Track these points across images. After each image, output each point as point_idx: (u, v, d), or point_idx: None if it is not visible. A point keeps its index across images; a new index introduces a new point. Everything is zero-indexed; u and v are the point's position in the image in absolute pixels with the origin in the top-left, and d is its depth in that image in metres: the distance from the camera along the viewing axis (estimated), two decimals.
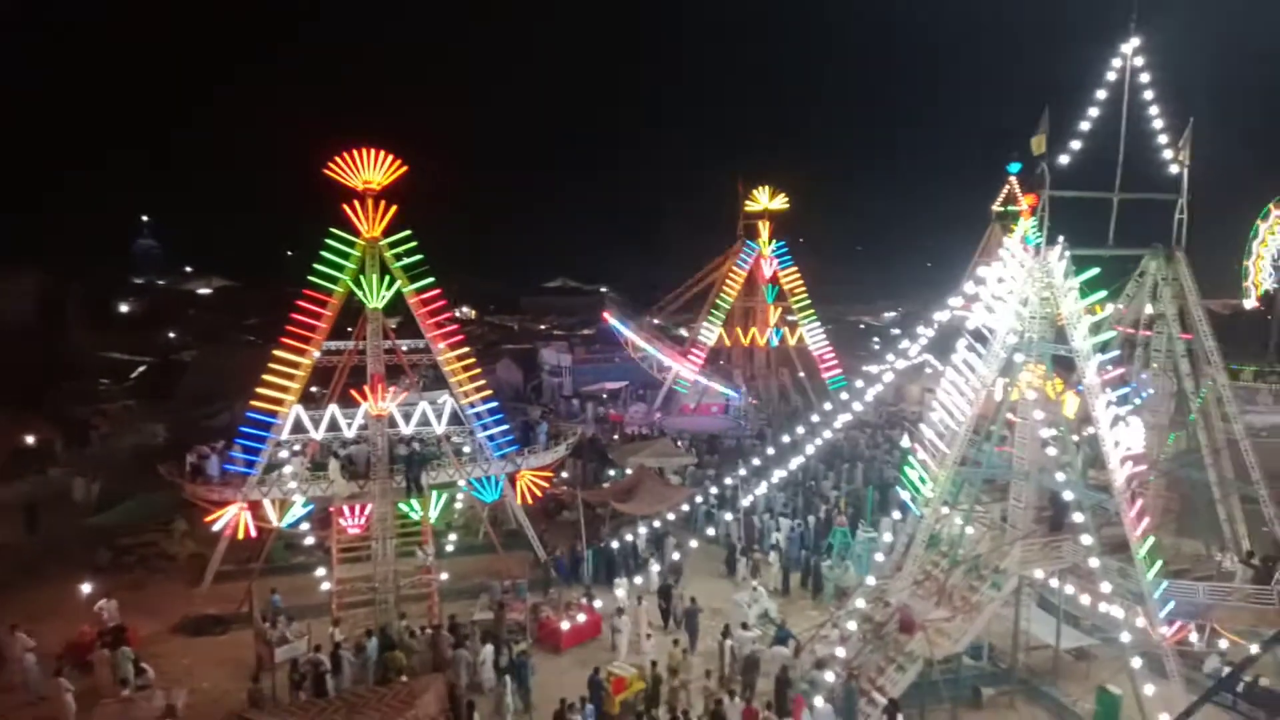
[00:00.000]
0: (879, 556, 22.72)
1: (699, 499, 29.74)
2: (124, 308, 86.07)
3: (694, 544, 27.05)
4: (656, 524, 27.28)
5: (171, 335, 72.18)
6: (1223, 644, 19.72)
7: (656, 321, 51.72)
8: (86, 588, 23.77)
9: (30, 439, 39.71)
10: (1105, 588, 18.47)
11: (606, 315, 50.37)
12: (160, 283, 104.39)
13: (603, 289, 51.00)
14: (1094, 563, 18.55)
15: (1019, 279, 20.18)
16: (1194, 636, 19.40)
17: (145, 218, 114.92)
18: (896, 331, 54.81)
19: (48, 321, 59.55)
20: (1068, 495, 19.14)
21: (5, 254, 66.36)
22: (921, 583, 20.62)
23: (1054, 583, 20.50)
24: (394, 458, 25.30)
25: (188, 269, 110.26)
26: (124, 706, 18.65)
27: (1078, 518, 18.87)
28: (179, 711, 18.39)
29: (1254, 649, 16.62)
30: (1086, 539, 18.70)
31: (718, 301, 48.06)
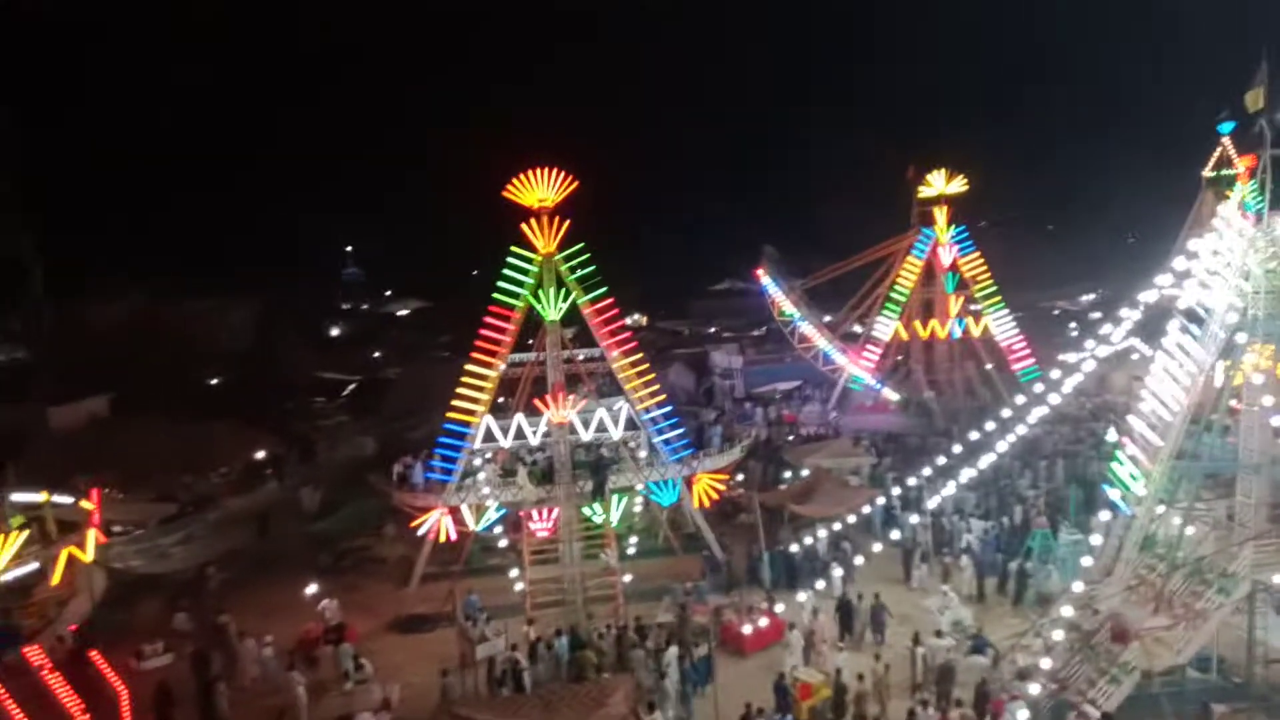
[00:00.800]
0: (1086, 560, 21.09)
1: (880, 500, 28.79)
2: (335, 331, 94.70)
3: (877, 547, 26.18)
4: (836, 526, 26.66)
5: (376, 355, 78.47)
6: None
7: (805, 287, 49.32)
8: (311, 588, 26.27)
9: (261, 453, 44.38)
10: None
11: (759, 270, 48.89)
12: (365, 307, 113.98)
13: (765, 247, 49.38)
14: None
15: (1238, 250, 18.18)
16: None
17: (349, 248, 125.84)
18: (1097, 315, 50.55)
19: (269, 347, 66.29)
20: None
21: (231, 287, 74.70)
22: (1136, 588, 18.98)
23: None
24: (576, 463, 26.26)
25: (388, 293, 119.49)
26: (347, 698, 20.68)
27: None
28: (393, 703, 20.05)
29: None
30: None
31: (892, 294, 46.26)
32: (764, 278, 48.66)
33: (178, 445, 38.69)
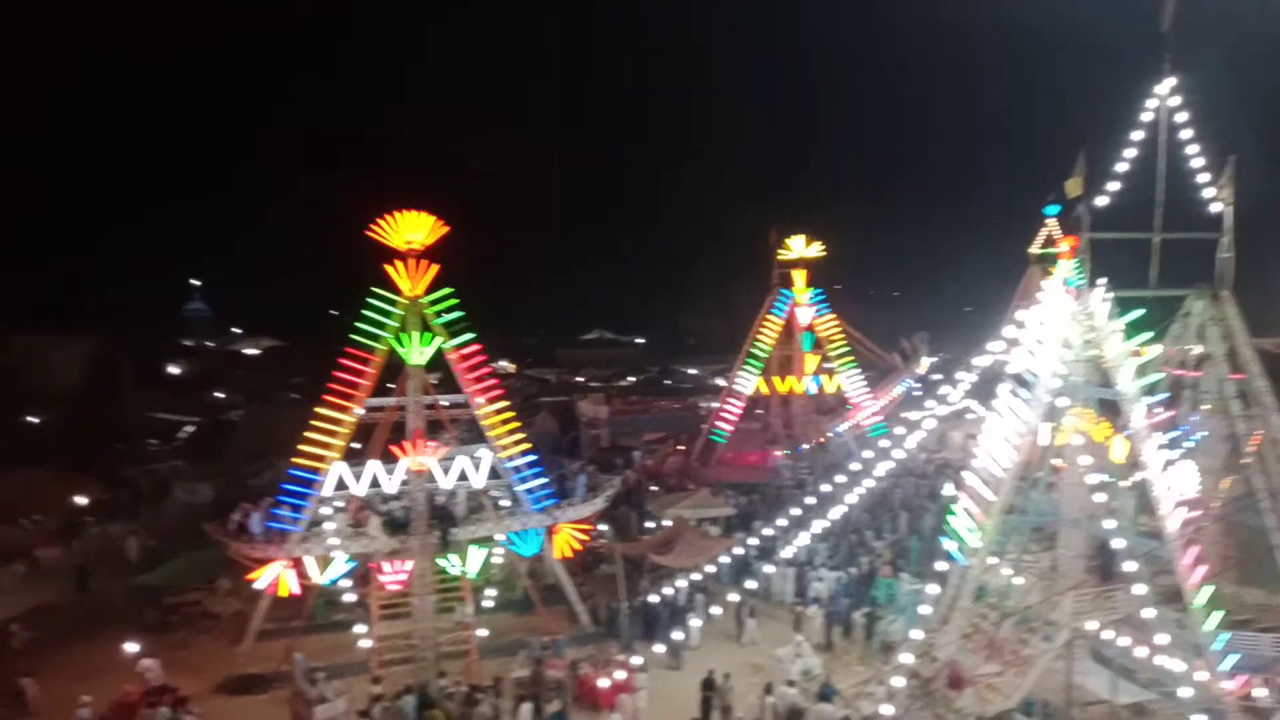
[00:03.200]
0: (925, 609, 22.14)
1: (739, 550, 29.29)
2: (173, 370, 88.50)
3: (733, 598, 26.57)
4: (696, 577, 26.89)
5: (220, 396, 73.88)
6: None
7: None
8: (133, 646, 24.02)
9: (82, 500, 40.65)
10: (1162, 639, 17.76)
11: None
12: (209, 345, 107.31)
13: (638, 339, 51.08)
14: (1149, 613, 17.87)
15: (1060, 322, 19.91)
16: (1261, 691, 18.49)
17: (196, 283, 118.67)
18: (938, 377, 54.04)
19: (98, 385, 61.33)
20: (1118, 543, 18.56)
21: (57, 321, 68.89)
22: (970, 636, 20.02)
23: (1108, 635, 19.76)
24: (432, 512, 25.41)
25: (236, 331, 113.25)
26: None
27: (1129, 566, 18.25)
28: None
29: None
30: (1140, 588, 18.05)
31: (754, 350, 47.93)
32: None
33: None
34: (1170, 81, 21.02)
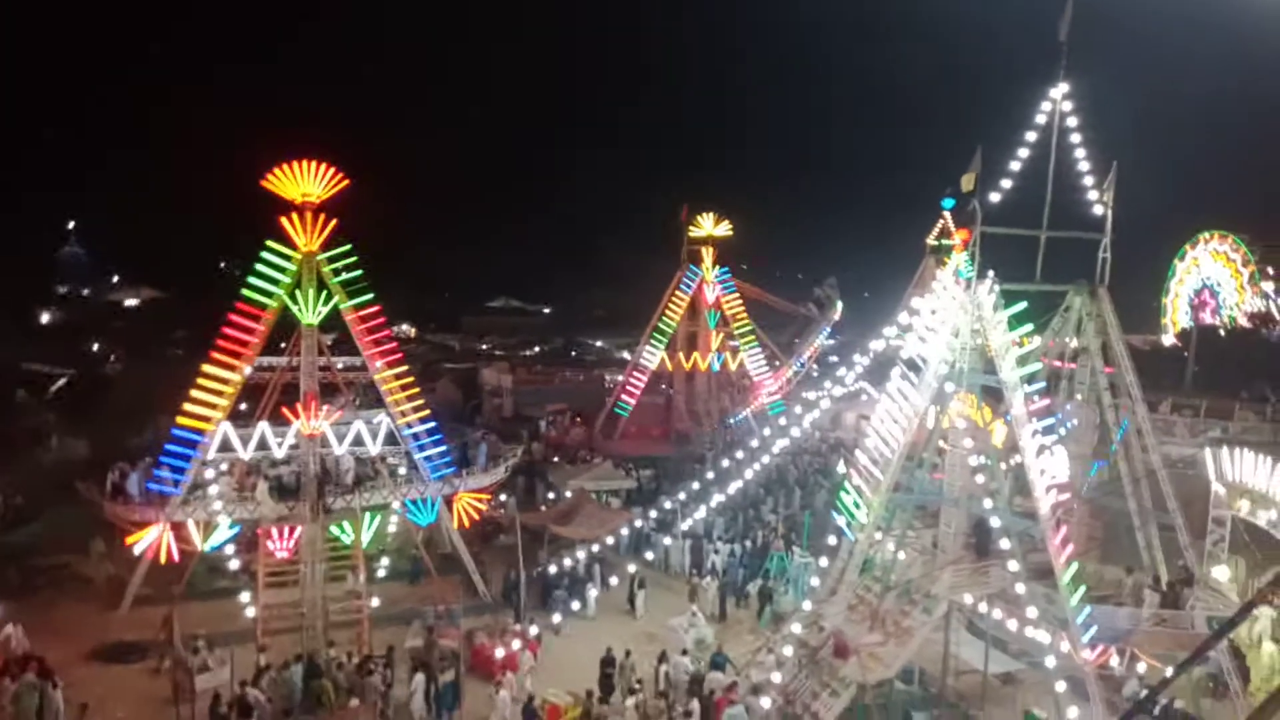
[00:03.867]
0: (814, 581, 22.95)
1: (638, 523, 29.65)
2: (45, 318, 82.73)
3: (631, 569, 26.92)
4: (595, 548, 27.10)
5: (96, 347, 69.52)
6: (1141, 667, 20.39)
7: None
8: None
9: None
10: (1031, 613, 18.93)
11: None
12: (85, 292, 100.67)
13: (545, 309, 50.92)
14: (1020, 588, 19.01)
15: (951, 311, 20.76)
16: (1115, 660, 20.00)
17: (72, 224, 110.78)
18: (834, 359, 55.66)
19: None
20: (995, 521, 19.63)
21: None
22: (855, 607, 20.87)
23: (982, 608, 20.94)
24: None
25: (115, 279, 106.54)
26: None
27: (1004, 544, 19.34)
28: None
29: (1169, 672, 17.18)
30: (1013, 565, 19.17)
31: (660, 325, 48.23)
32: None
33: None
34: (1064, 87, 22.00)
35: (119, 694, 20.81)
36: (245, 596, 23.72)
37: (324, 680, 19.71)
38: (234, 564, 26.90)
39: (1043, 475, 19.20)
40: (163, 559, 24.49)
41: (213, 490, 24.99)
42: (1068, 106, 22.06)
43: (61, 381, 56.72)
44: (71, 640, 23.28)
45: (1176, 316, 76.61)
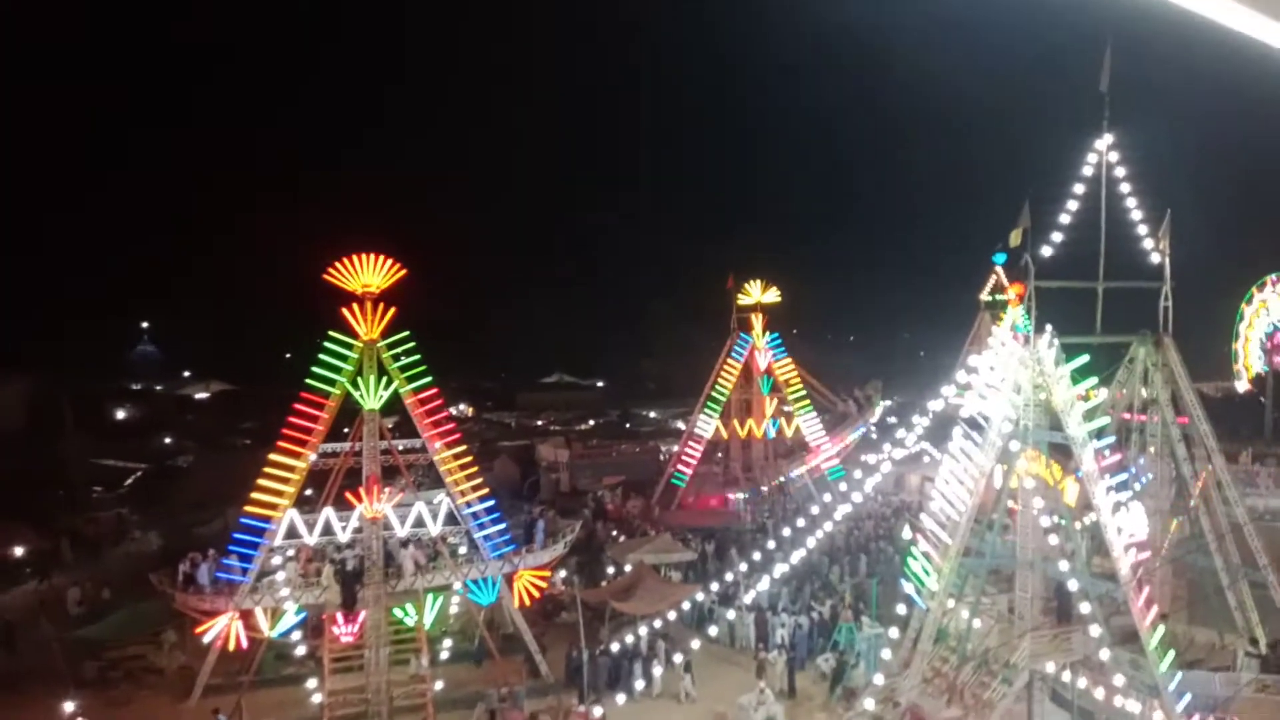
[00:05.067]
0: (886, 653, 22.16)
1: (700, 596, 29.12)
2: (120, 414, 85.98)
3: (695, 644, 26.32)
4: (658, 624, 26.62)
5: (168, 441, 71.84)
6: None
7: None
8: (69, 706, 22.96)
9: (19, 549, 39.08)
10: (1118, 680, 18.00)
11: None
12: (157, 388, 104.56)
13: (598, 383, 51.40)
14: (1105, 654, 18.13)
15: (1010, 367, 20.40)
16: None
17: (145, 324, 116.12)
18: (893, 420, 54.78)
19: (40, 429, 59.39)
20: (1073, 584, 18.84)
21: (2, 359, 66.79)
22: (931, 680, 20.06)
23: (1066, 676, 19.95)
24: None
25: (186, 374, 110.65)
26: None
27: (1085, 608, 18.52)
28: None
29: None
30: (1095, 630, 18.31)
31: (713, 394, 48.21)
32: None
33: None
34: (1108, 138, 21.93)
35: None
36: (312, 683, 23.79)
37: None
38: (300, 650, 27.11)
39: (1120, 534, 18.47)
40: (231, 647, 24.80)
41: (279, 576, 25.35)
42: (1114, 157, 21.96)
43: (135, 476, 58.60)
44: None
45: (1249, 362, 73.88)
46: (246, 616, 24.82)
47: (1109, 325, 22.21)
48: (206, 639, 24.75)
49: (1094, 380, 20.17)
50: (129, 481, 57.36)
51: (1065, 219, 21.78)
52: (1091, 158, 22.06)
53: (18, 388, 64.46)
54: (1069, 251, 21.68)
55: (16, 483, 48.67)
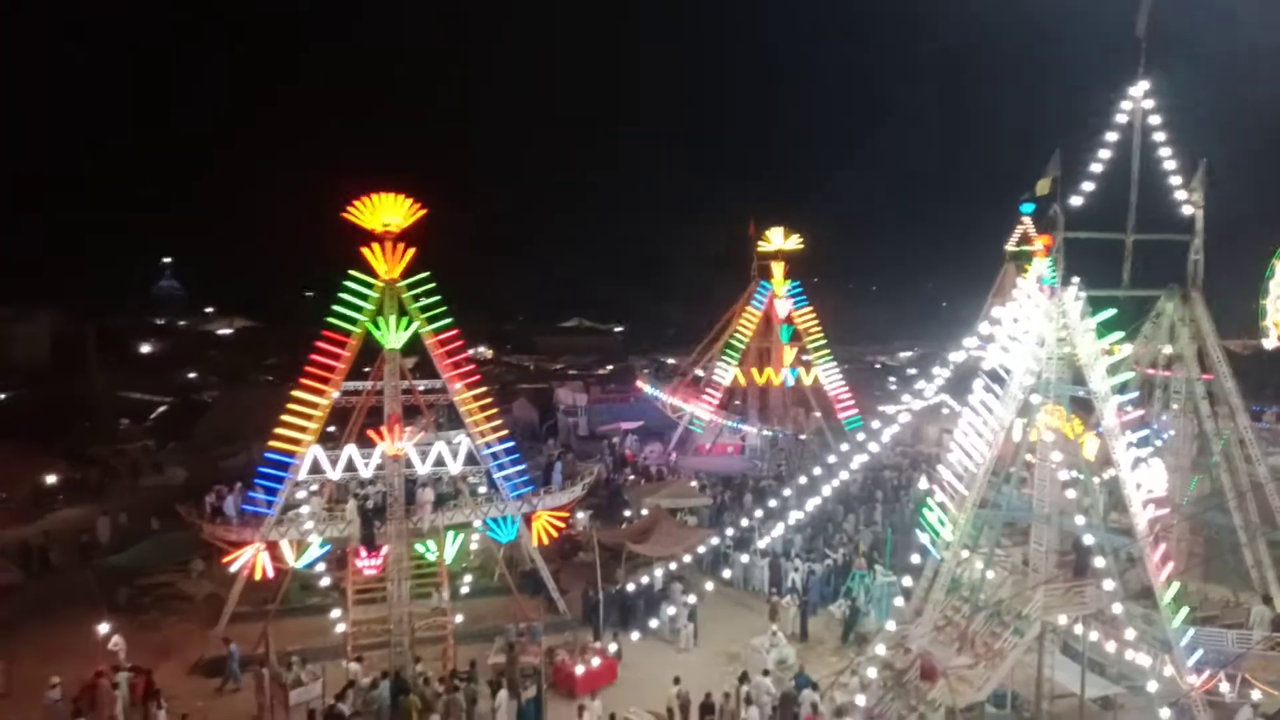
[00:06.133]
0: (899, 601, 22.42)
1: (715, 540, 29.50)
2: (145, 348, 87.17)
3: (709, 587, 26.77)
4: (673, 566, 27.06)
5: (192, 376, 72.91)
6: (1255, 694, 19.25)
7: (695, 373, 51.42)
8: (103, 627, 23.79)
9: (51, 478, 40.07)
10: (1130, 634, 18.15)
11: (639, 382, 51.21)
12: (181, 323, 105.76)
13: (617, 328, 51.38)
14: (1118, 609, 18.25)
15: (1035, 319, 20.16)
16: (1224, 686, 18.93)
17: (167, 260, 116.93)
18: (913, 372, 54.52)
19: (66, 362, 60.35)
20: (1089, 539, 18.89)
21: (25, 296, 67.58)
22: (943, 629, 20.32)
23: (1078, 629, 20.13)
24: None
25: (209, 310, 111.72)
26: None
27: (1100, 562, 18.60)
28: None
29: None
30: (1109, 584, 18.40)
31: (732, 341, 48.06)
32: (646, 388, 51.09)
33: None
34: (1144, 85, 21.27)
35: (218, 706, 21.69)
36: (336, 613, 24.45)
37: (411, 696, 20.13)
38: (325, 581, 27.82)
39: (1139, 489, 18.43)
40: (258, 577, 25.48)
41: (304, 510, 25.88)
42: (1149, 104, 21.32)
43: (161, 409, 59.63)
44: (174, 656, 24.44)
45: (1278, 319, 72.57)
46: (272, 548, 25.43)
47: (1137, 279, 21.86)
48: (233, 568, 25.40)
49: (1119, 334, 19.93)
50: (155, 415, 58.40)
51: (1096, 168, 21.28)
52: (1125, 105, 21.44)
53: (45, 322, 65.41)
54: (1099, 202, 21.24)
55: (46, 414, 49.76)
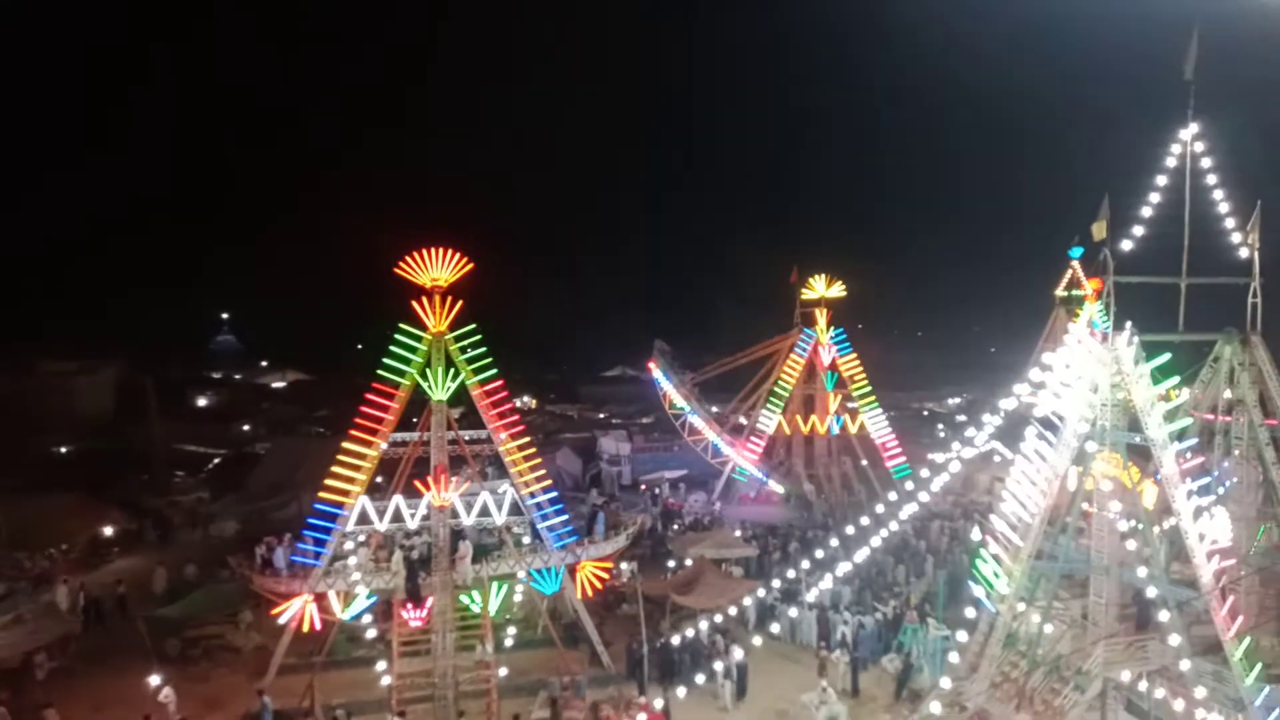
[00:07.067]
0: (953, 656, 21.73)
1: (761, 592, 28.98)
2: (201, 401, 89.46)
3: (756, 641, 26.24)
4: (718, 619, 26.61)
5: (246, 428, 74.48)
6: None
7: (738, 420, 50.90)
8: (154, 678, 24.08)
9: (108, 530, 41.02)
10: (1200, 693, 17.32)
11: (651, 364, 50.49)
12: (236, 377, 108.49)
13: (657, 341, 51.05)
14: (1185, 665, 17.46)
15: (1087, 365, 19.74)
16: None
17: (225, 315, 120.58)
18: (962, 419, 53.53)
19: (125, 414, 62.07)
20: (1151, 591, 18.19)
21: (87, 349, 69.98)
22: (999, 685, 19.61)
23: (1143, 686, 19.30)
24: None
25: (264, 363, 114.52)
26: None
27: (1163, 615, 17.87)
28: None
29: None
30: (1175, 639, 17.65)
31: (776, 389, 47.80)
32: (655, 370, 49.88)
33: (13, 520, 35.34)
34: (1194, 128, 21.05)
35: None
36: (381, 665, 24.47)
37: None
38: (371, 633, 27.89)
39: (1202, 540, 17.76)
40: (305, 629, 25.66)
41: (351, 561, 26.11)
42: (1200, 147, 21.07)
43: (215, 461, 60.91)
44: (223, 707, 24.64)
45: None
46: (320, 599, 25.63)
47: (1192, 322, 21.33)
48: (282, 620, 25.63)
49: (1176, 379, 19.41)
50: (209, 466, 59.65)
51: (1147, 211, 21.01)
52: (1175, 148, 21.21)
53: (106, 374, 67.61)
54: (1151, 245, 20.92)
55: (105, 465, 51.17)
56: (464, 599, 25.28)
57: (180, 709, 22.99)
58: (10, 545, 35.82)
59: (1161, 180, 21.18)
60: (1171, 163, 21.17)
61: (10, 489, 38.97)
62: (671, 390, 49.02)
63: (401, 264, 25.54)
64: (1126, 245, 20.38)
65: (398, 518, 27.02)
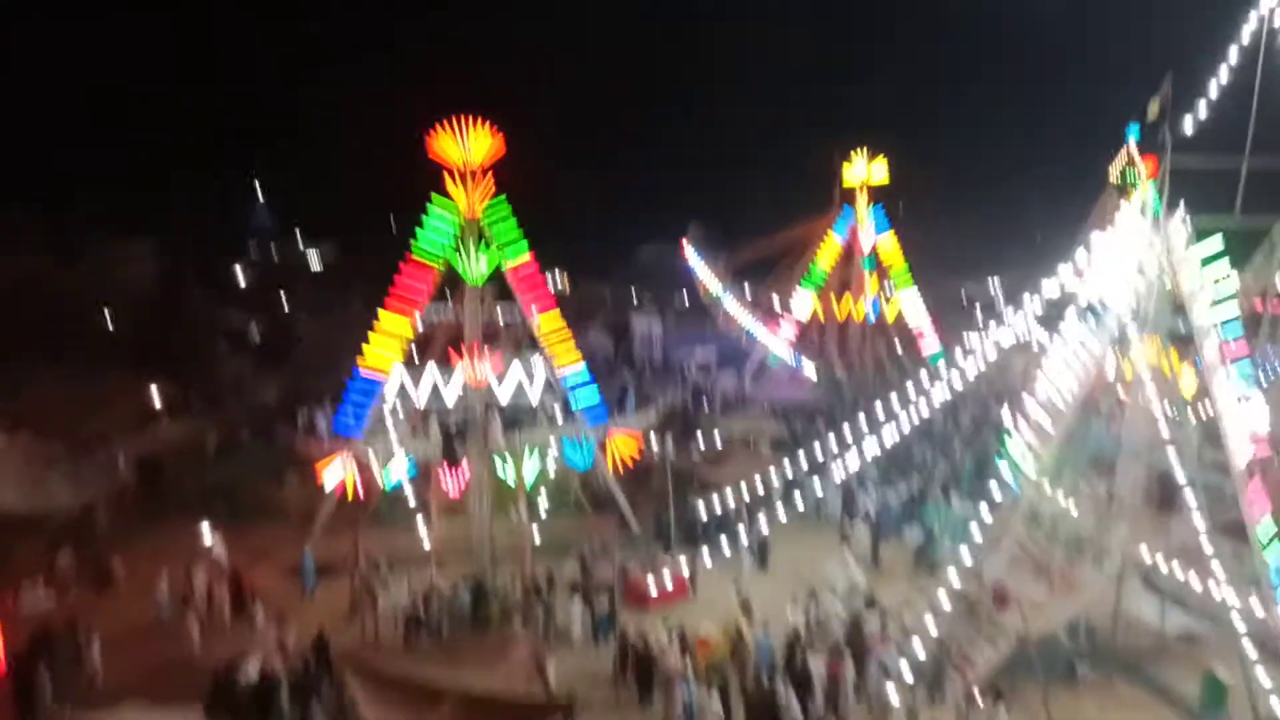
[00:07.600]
0: (975, 533, 22.16)
1: (788, 467, 29.46)
2: (241, 276, 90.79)
3: (781, 513, 26.88)
4: (744, 493, 27.22)
5: (283, 302, 75.83)
6: None
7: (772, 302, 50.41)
8: (206, 535, 25.47)
9: (159, 398, 42.52)
10: (1217, 570, 17.58)
11: (684, 244, 50.09)
12: (274, 251, 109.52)
13: (692, 223, 50.35)
14: (1205, 544, 17.65)
15: (1136, 248, 19.17)
16: None
17: (260, 191, 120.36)
18: (1002, 303, 52.55)
19: (169, 290, 63.22)
20: (1179, 474, 18.22)
21: (131, 225, 70.63)
22: (1019, 559, 20.06)
23: (1161, 564, 19.61)
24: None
25: (298, 238, 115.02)
26: (240, 641, 20.12)
27: (1189, 496, 17.95)
28: (289, 646, 19.63)
29: None
30: (1198, 519, 17.80)
31: (811, 270, 47.12)
32: (690, 254, 49.35)
33: (68, 392, 36.80)
34: None
35: (311, 606, 23.22)
36: (422, 527, 25.59)
37: (493, 604, 21.13)
38: (411, 500, 29.02)
39: (1237, 425, 17.60)
40: (349, 497, 26.74)
41: (391, 430, 26.91)
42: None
43: (257, 334, 62.38)
44: (272, 561, 26.10)
45: None
46: (363, 470, 26.49)
47: (1250, 207, 20.48)
48: (326, 483, 26.68)
49: (1226, 265, 18.80)
50: (250, 338, 61.12)
51: (1213, 90, 19.82)
52: (1251, 17, 19.79)
53: (147, 249, 68.54)
54: (1212, 125, 19.85)
55: (148, 339, 52.56)
56: (499, 466, 26.03)
57: (229, 560, 24.47)
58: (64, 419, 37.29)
59: (1232, 54, 19.88)
60: (1246, 32, 19.81)
61: (61, 366, 40.31)
62: (706, 274, 48.59)
63: (434, 142, 25.09)
64: (1187, 122, 19.35)
65: (434, 391, 27.62)
